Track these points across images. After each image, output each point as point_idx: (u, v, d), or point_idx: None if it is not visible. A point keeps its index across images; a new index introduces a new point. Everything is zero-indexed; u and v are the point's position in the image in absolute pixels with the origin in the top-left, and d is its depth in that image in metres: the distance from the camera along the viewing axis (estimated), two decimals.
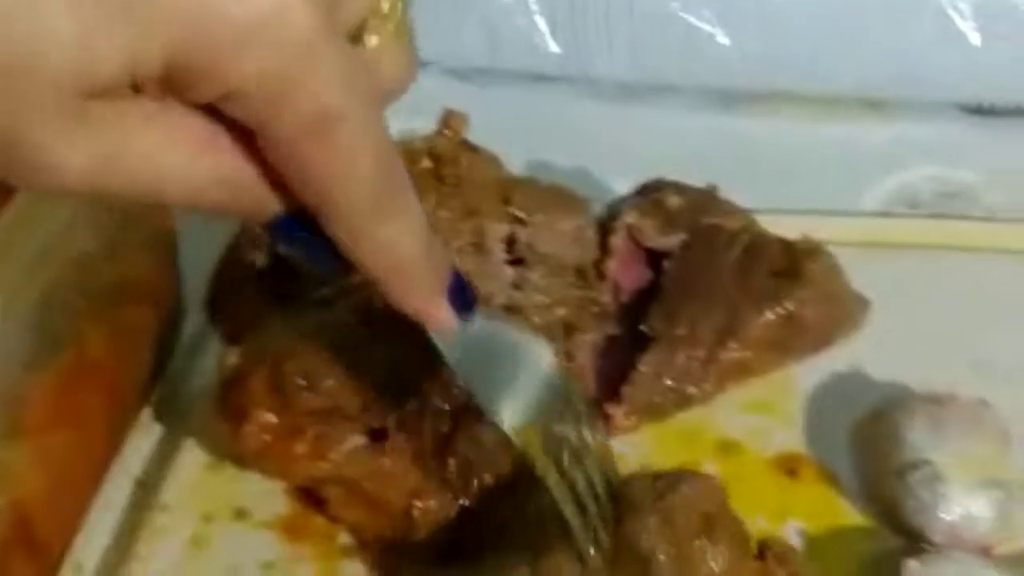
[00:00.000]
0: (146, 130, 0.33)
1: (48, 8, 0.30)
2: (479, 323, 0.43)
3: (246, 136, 0.34)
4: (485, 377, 0.44)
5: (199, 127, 0.34)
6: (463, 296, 0.42)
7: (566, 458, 0.45)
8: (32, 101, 0.31)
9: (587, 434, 0.46)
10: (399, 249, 0.38)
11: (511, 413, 0.44)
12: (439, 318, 0.42)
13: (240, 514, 0.55)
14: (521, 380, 0.44)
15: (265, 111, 0.33)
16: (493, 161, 0.59)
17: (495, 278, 0.57)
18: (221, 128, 0.34)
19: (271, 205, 0.36)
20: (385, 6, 0.37)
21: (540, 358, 0.45)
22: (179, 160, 0.34)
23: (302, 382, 0.51)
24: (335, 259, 0.38)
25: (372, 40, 0.37)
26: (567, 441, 0.45)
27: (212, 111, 0.34)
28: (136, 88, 0.32)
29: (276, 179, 0.35)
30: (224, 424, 0.52)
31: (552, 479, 0.45)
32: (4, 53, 0.30)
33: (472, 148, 0.59)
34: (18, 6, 0.30)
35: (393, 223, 0.37)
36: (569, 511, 0.45)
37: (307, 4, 0.32)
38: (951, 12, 0.70)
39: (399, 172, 0.37)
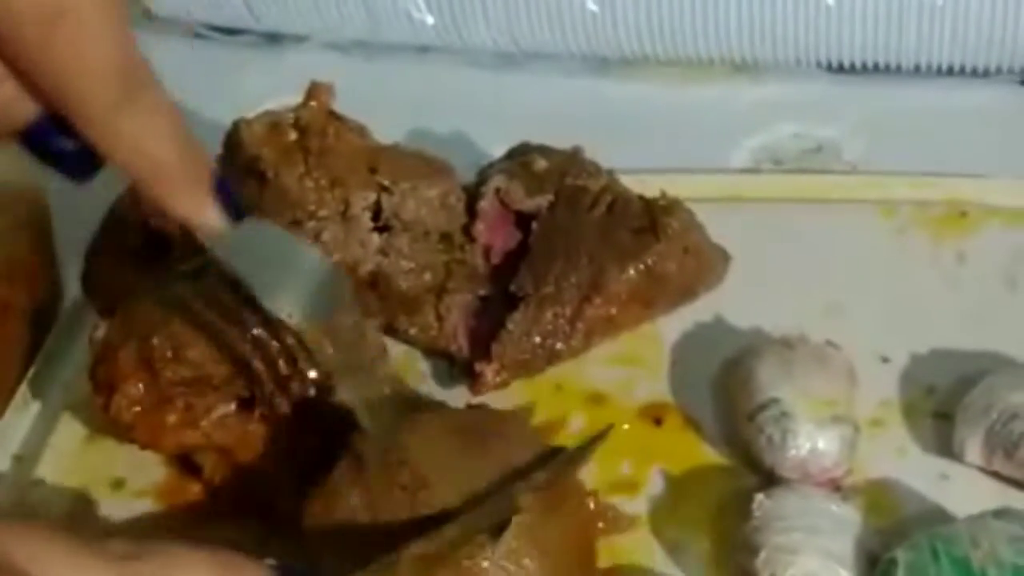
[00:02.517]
0: None
1: None
2: (249, 226, 0.45)
3: None
4: (263, 277, 0.46)
5: None
6: (229, 199, 0.43)
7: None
8: None
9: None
10: (151, 147, 0.39)
11: (289, 307, 0.46)
12: (204, 218, 0.43)
13: (117, 484, 0.56)
14: (298, 278, 0.46)
15: None
16: (359, 131, 0.60)
17: (362, 245, 0.58)
18: None
19: (20, 108, 0.38)
20: None
21: (311, 257, 0.47)
22: None
23: (169, 354, 0.52)
24: (92, 163, 0.39)
25: None
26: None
27: None
28: None
29: (20, 82, 0.37)
30: (95, 397, 0.53)
31: (336, 366, 0.48)
32: None
33: (338, 118, 0.60)
34: None
35: (139, 119, 0.39)
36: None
37: None
38: None
39: (140, 70, 0.38)
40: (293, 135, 0.59)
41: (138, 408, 0.53)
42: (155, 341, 0.52)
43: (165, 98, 0.40)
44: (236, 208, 0.44)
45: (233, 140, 0.59)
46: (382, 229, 0.59)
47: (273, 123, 0.59)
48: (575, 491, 0.50)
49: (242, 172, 0.58)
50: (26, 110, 0.38)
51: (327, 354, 0.48)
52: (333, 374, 0.50)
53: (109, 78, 0.37)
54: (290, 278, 0.46)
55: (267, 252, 0.46)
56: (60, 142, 0.39)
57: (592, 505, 0.51)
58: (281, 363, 0.52)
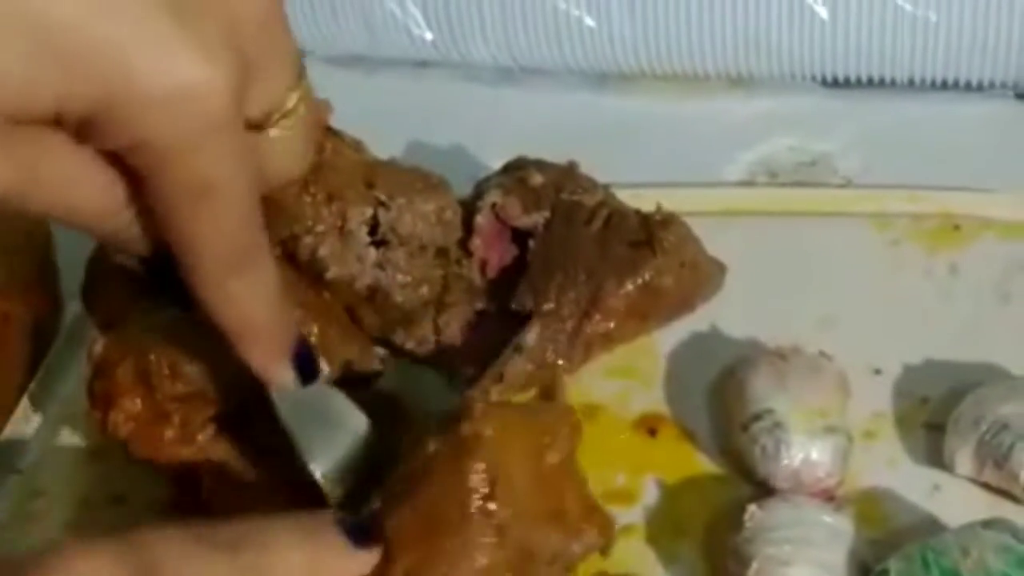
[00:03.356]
0: (64, 158, 0.38)
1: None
2: (314, 390, 0.48)
3: (136, 184, 0.39)
4: (307, 433, 0.49)
5: (105, 168, 0.39)
6: (307, 364, 0.47)
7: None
8: None
9: None
10: (247, 307, 0.43)
11: (322, 463, 0.49)
12: (278, 379, 0.47)
13: (118, 500, 0.57)
14: (335, 438, 0.50)
15: (158, 167, 0.38)
16: (356, 146, 0.61)
17: (359, 260, 0.59)
18: (119, 173, 0.39)
19: (142, 244, 0.41)
20: (290, 104, 0.43)
21: (357, 424, 0.50)
22: (88, 192, 0.39)
23: (167, 370, 0.52)
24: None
25: (273, 132, 0.43)
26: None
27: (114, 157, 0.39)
28: (58, 123, 0.37)
29: (152, 226, 0.40)
30: (93, 412, 0.53)
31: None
32: None
33: (335, 133, 0.60)
34: None
35: (244, 281, 0.42)
36: None
37: (225, 90, 0.37)
38: None
39: (257, 245, 0.42)
40: None
41: (135, 423, 0.53)
42: (152, 357, 0.53)
43: (271, 270, 0.43)
44: (309, 373, 0.47)
45: None
46: (379, 243, 0.59)
47: None
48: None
49: None
50: (143, 248, 0.42)
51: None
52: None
53: (229, 254, 0.41)
54: (330, 443, 0.50)
55: (320, 415, 0.49)
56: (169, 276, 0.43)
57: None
58: None
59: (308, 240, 0.57)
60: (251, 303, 0.43)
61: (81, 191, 0.39)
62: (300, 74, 0.43)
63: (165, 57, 0.36)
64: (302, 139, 0.45)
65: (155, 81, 0.36)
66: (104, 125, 0.37)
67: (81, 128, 0.37)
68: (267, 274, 0.43)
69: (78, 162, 0.38)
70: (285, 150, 0.44)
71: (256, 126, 0.42)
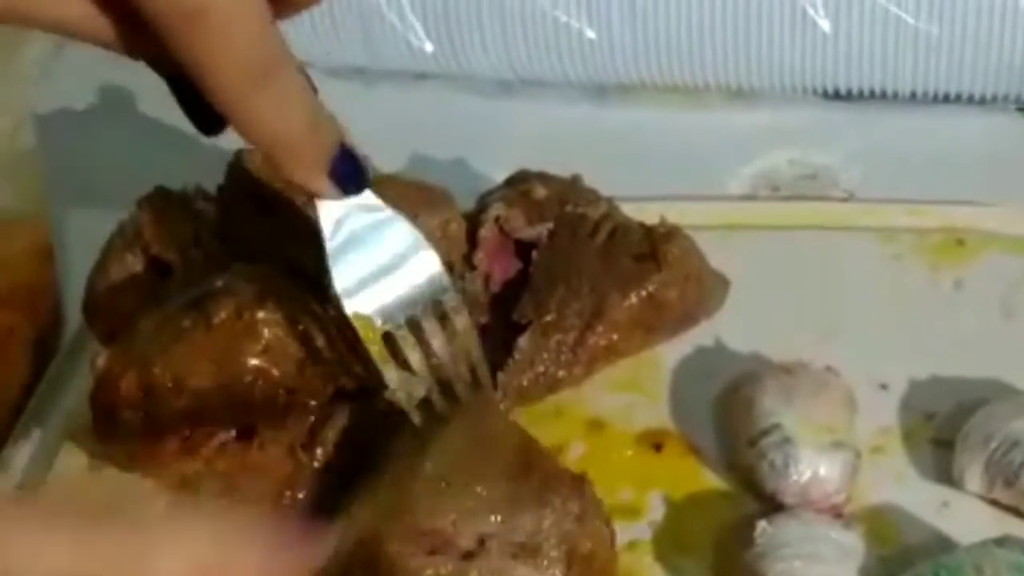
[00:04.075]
0: None
1: None
2: (376, 215, 0.47)
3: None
4: (349, 266, 0.47)
5: None
6: (351, 170, 0.46)
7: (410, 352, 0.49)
8: None
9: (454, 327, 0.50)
10: (277, 121, 0.42)
11: (354, 301, 0.47)
12: (318, 190, 0.46)
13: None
14: (384, 278, 0.48)
15: None
16: None
17: None
18: None
19: (159, 66, 0.41)
20: None
21: (418, 262, 0.48)
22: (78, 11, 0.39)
23: (170, 383, 0.52)
24: (220, 121, 0.42)
25: None
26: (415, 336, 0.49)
27: None
28: None
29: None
30: (96, 425, 0.53)
31: (387, 374, 0.49)
32: None
33: None
34: None
35: (268, 97, 0.41)
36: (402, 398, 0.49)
37: None
38: (804, 4, 0.73)
39: (274, 59, 0.40)
40: None
41: (138, 437, 0.53)
42: (156, 370, 0.52)
43: (298, 77, 0.42)
44: (352, 181, 0.46)
45: (236, 170, 0.59)
46: None
47: None
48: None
49: (244, 201, 0.58)
50: (161, 68, 0.41)
51: (376, 351, 0.48)
52: (381, 371, 0.49)
53: (242, 72, 0.40)
54: (375, 280, 0.47)
55: (366, 241, 0.47)
56: (196, 98, 0.41)
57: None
58: (281, 392, 0.53)
59: (313, 254, 0.57)
60: (278, 117, 0.42)
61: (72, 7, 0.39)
62: None
63: None
64: None
65: None
66: None
67: None
68: (292, 86, 0.42)
69: None
70: None
71: None
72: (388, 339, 0.48)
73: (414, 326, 0.49)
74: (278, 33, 0.41)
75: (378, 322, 0.48)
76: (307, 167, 0.45)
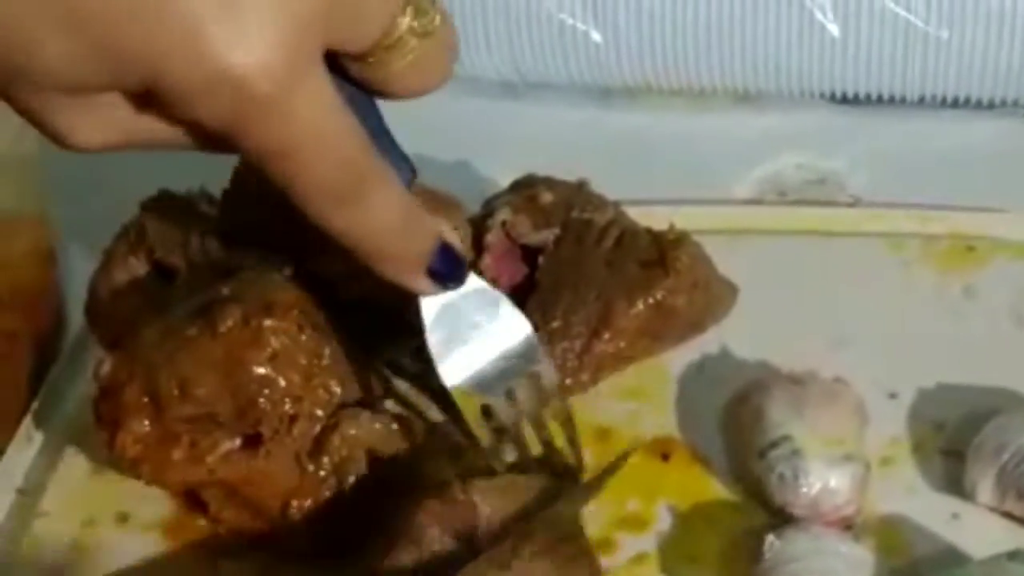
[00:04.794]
0: (139, 116, 0.39)
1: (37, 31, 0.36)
2: (473, 290, 0.48)
3: None
4: (447, 341, 0.49)
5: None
6: (450, 267, 0.47)
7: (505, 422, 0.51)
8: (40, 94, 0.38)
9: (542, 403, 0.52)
10: (367, 232, 0.43)
11: (454, 375, 0.49)
12: (419, 290, 0.47)
13: (122, 518, 0.56)
14: (480, 351, 0.49)
15: (228, 137, 0.39)
16: None
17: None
18: None
19: None
20: (399, 32, 0.41)
21: (514, 335, 0.50)
22: (179, 137, 0.40)
23: (176, 391, 0.51)
24: None
25: (383, 59, 0.42)
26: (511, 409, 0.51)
27: None
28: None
29: None
30: (100, 432, 0.52)
31: (485, 441, 0.51)
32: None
33: None
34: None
35: (354, 209, 0.42)
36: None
37: (269, 69, 0.37)
38: (812, 8, 0.72)
39: (363, 176, 0.42)
40: None
41: (143, 445, 0.52)
42: (162, 378, 0.52)
43: (387, 192, 0.43)
44: (454, 277, 0.48)
45: (242, 174, 0.59)
46: None
47: None
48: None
49: (250, 205, 0.57)
50: None
51: (477, 431, 0.50)
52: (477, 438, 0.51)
53: (330, 195, 0.41)
54: (472, 353, 0.49)
55: (466, 321, 0.49)
56: None
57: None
58: (287, 401, 0.52)
59: (320, 260, 0.57)
60: (371, 227, 0.43)
61: (164, 135, 0.40)
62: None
63: (194, 47, 0.36)
64: (437, 51, 0.43)
65: (187, 73, 0.37)
66: (160, 106, 0.38)
67: (145, 101, 0.39)
68: (384, 197, 0.43)
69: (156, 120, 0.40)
70: (418, 70, 0.43)
71: (367, 56, 0.42)
72: (486, 410, 0.51)
73: (510, 395, 0.51)
74: (368, 149, 0.41)
75: (476, 395, 0.50)
76: (404, 270, 0.46)
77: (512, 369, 0.50)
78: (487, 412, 0.51)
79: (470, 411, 0.50)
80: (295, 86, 0.38)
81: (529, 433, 0.53)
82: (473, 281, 0.49)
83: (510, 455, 0.53)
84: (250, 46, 0.37)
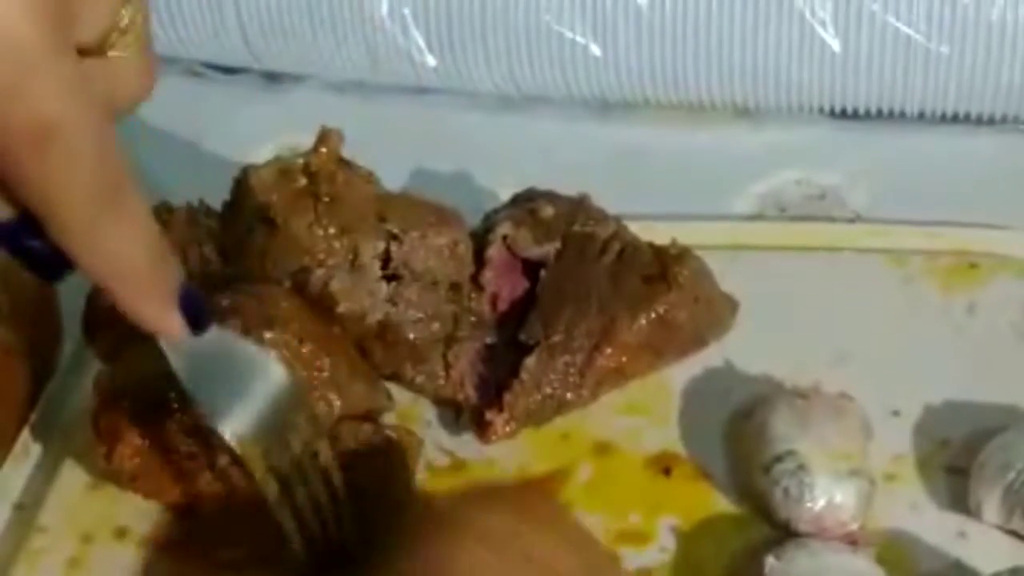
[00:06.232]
0: None
1: None
2: (212, 336, 0.45)
3: None
4: (212, 390, 0.45)
5: None
6: (195, 310, 0.43)
7: (288, 467, 0.48)
8: None
9: (311, 440, 0.49)
10: (122, 257, 0.39)
11: (233, 426, 0.45)
12: (166, 329, 0.43)
13: (120, 533, 0.55)
14: (247, 394, 0.46)
15: None
16: (368, 178, 0.60)
17: (371, 295, 0.58)
18: None
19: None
20: (124, 21, 0.39)
21: (270, 373, 0.47)
22: None
23: (173, 404, 0.51)
24: (63, 265, 0.39)
25: (113, 54, 0.39)
26: (292, 453, 0.48)
27: None
28: None
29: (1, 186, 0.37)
30: (98, 446, 0.52)
31: (270, 490, 0.48)
32: None
33: (348, 165, 0.59)
34: None
35: (114, 230, 0.38)
36: (284, 517, 0.48)
37: (28, 20, 0.33)
38: (813, 23, 0.72)
39: (122, 180, 0.38)
40: (303, 181, 0.58)
41: (141, 458, 0.52)
42: (161, 391, 0.51)
43: (142, 207, 0.40)
44: (200, 319, 0.44)
45: (242, 186, 0.58)
46: (391, 278, 0.58)
47: (282, 169, 0.58)
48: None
49: (252, 219, 0.57)
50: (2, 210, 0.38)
51: (260, 475, 0.47)
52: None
53: (91, 195, 0.37)
54: (239, 397, 0.46)
55: (221, 367, 0.46)
56: (34, 243, 0.39)
57: None
58: None
59: (319, 274, 0.56)
60: (124, 247, 0.39)
61: None
62: None
63: None
64: (144, 55, 0.40)
65: None
66: None
67: None
68: (138, 214, 0.39)
69: None
70: (129, 70, 0.40)
71: (92, 51, 0.38)
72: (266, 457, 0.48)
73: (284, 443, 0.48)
74: (123, 151, 0.38)
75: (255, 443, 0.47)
76: (158, 302, 0.42)
77: (279, 415, 0.47)
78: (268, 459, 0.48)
79: (253, 459, 0.47)
80: (61, 45, 0.35)
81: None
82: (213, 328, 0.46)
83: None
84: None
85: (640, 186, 0.73)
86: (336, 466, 0.50)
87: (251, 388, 0.46)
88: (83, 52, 0.37)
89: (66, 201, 0.37)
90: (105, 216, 0.38)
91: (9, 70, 0.34)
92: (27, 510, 0.57)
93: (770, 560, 0.49)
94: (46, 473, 0.58)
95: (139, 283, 0.41)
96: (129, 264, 0.40)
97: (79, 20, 0.37)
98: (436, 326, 0.59)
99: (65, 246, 0.38)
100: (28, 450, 0.59)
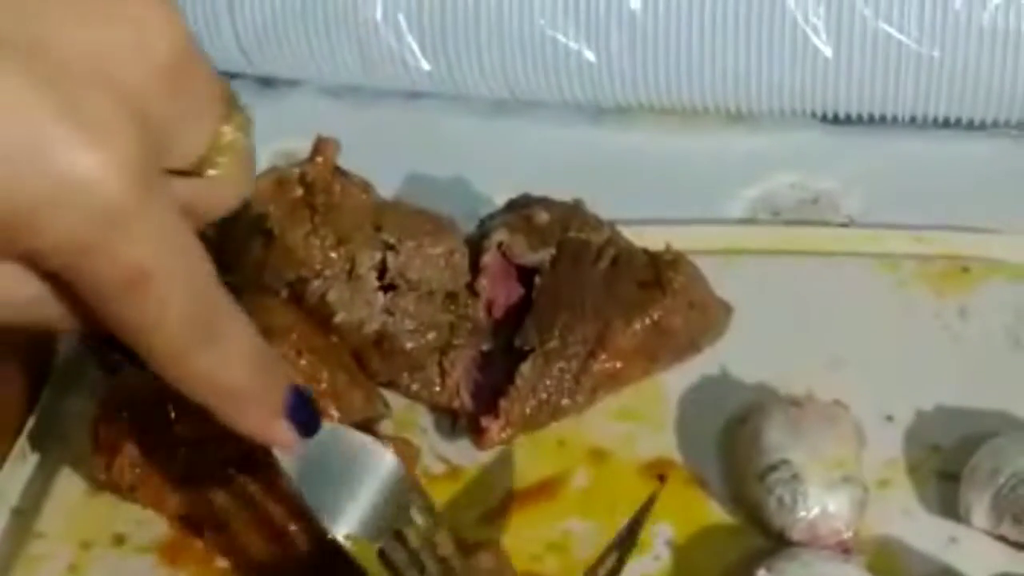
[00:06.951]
0: None
1: None
2: (323, 434, 0.43)
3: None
4: (323, 490, 0.44)
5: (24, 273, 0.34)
6: (304, 413, 0.42)
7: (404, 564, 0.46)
8: None
9: (429, 534, 0.47)
10: (219, 378, 0.38)
11: (347, 529, 0.44)
12: (273, 441, 0.42)
13: (118, 540, 0.56)
14: (359, 491, 0.45)
15: (75, 269, 0.33)
16: (364, 187, 0.60)
17: (367, 305, 0.58)
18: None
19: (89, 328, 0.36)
20: (227, 138, 0.37)
21: (382, 466, 0.46)
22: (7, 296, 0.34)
23: (173, 415, 0.51)
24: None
25: (211, 173, 0.37)
26: (407, 545, 0.46)
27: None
28: None
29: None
30: (97, 457, 0.52)
31: None
32: None
33: (344, 174, 0.60)
34: None
35: (209, 355, 0.37)
36: None
37: (122, 169, 0.32)
38: (805, 28, 0.73)
39: (216, 306, 0.37)
40: (299, 191, 0.58)
41: (140, 469, 0.52)
42: (159, 400, 0.52)
43: (241, 327, 0.38)
44: (310, 423, 0.43)
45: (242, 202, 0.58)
46: (387, 288, 0.59)
47: (279, 179, 0.58)
48: None
49: (248, 230, 0.57)
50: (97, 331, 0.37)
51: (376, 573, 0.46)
52: None
53: (184, 330, 0.36)
54: (351, 496, 0.45)
55: (332, 464, 0.44)
56: (117, 358, 0.38)
57: None
58: None
59: (316, 284, 0.57)
60: (225, 373, 0.38)
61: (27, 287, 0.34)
62: (231, 105, 0.38)
63: (39, 151, 0.31)
64: (243, 169, 0.39)
65: (32, 182, 0.31)
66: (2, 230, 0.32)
67: None
68: (238, 338, 0.38)
69: None
70: (225, 186, 0.38)
71: (191, 173, 0.37)
72: (382, 555, 0.46)
73: (400, 537, 0.47)
74: (218, 279, 0.37)
75: (370, 542, 0.45)
76: (263, 417, 0.41)
77: (393, 508, 0.46)
78: (383, 557, 0.46)
79: (369, 559, 0.45)
80: (150, 193, 0.33)
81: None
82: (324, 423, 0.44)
83: None
84: (101, 142, 0.32)
85: (633, 191, 0.74)
86: (458, 555, 0.49)
87: (363, 484, 0.45)
88: (179, 172, 0.36)
89: (157, 338, 0.36)
90: (201, 349, 0.37)
91: (98, 226, 0.32)
92: (25, 515, 0.57)
93: (762, 573, 0.49)
94: (45, 478, 0.58)
95: (239, 401, 0.39)
96: (228, 384, 0.38)
97: (175, 148, 0.35)
98: (432, 335, 0.59)
99: (156, 372, 0.37)
100: (26, 456, 0.59)
